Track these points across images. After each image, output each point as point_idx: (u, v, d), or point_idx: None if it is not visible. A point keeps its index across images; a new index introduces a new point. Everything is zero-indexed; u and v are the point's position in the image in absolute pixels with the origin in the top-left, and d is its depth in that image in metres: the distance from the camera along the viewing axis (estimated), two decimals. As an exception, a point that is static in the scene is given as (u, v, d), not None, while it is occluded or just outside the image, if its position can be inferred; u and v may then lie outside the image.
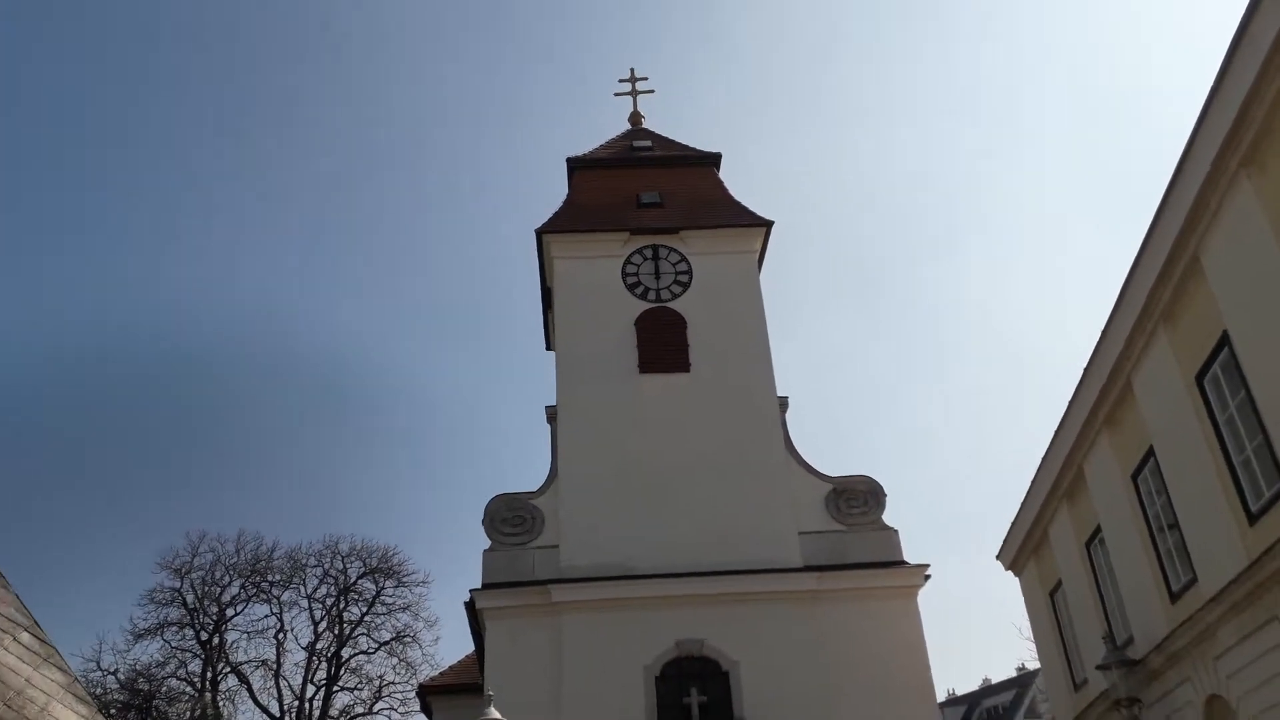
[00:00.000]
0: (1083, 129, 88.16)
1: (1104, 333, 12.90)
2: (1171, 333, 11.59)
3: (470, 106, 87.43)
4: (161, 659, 32.66)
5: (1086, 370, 13.71)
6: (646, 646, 17.72)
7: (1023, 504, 17.37)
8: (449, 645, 66.87)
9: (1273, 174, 9.08)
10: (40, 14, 70.14)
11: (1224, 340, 10.39)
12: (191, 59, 76.36)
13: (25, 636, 9.26)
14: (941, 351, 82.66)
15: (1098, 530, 14.75)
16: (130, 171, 75.34)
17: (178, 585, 33.08)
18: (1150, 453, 12.62)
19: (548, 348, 25.30)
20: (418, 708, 30.32)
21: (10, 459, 50.67)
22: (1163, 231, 10.91)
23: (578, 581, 18.26)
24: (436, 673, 29.77)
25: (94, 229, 72.60)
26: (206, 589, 33.43)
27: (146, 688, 32.24)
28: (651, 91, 26.58)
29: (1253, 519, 10.26)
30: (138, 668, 32.46)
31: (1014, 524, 18.07)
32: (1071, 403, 14.48)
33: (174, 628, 32.75)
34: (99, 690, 30.83)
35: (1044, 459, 15.99)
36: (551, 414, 20.43)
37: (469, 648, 25.36)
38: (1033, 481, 16.68)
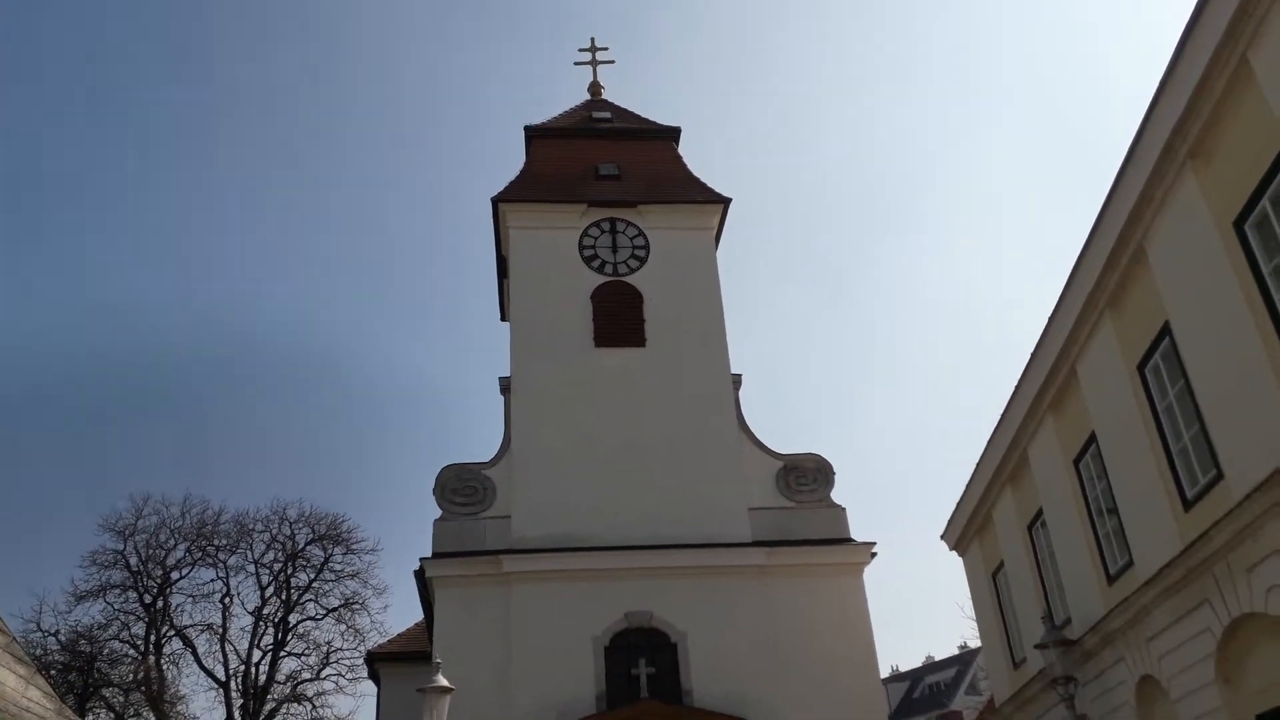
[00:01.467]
0: (1040, 112, 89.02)
1: (1051, 318, 13.07)
2: (1116, 321, 11.76)
3: (429, 69, 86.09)
4: (104, 621, 32.25)
5: (1033, 355, 13.90)
6: (596, 618, 17.84)
7: (967, 486, 17.64)
8: (398, 614, 66.88)
9: (1218, 166, 9.21)
10: (39, 11, 67.74)
11: (1165, 330, 10.55)
12: (153, 38, 74.08)
13: None
14: (892, 332, 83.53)
15: (1040, 513, 15.02)
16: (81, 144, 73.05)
17: (121, 547, 32.61)
18: (1092, 438, 12.84)
19: (503, 318, 25.16)
20: (365, 674, 30.30)
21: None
22: (1110, 220, 11.05)
23: (528, 552, 18.29)
24: (385, 640, 29.73)
25: (57, 211, 70.49)
26: (151, 551, 32.96)
27: (88, 649, 31.81)
28: (612, 62, 26.45)
29: (1188, 505, 10.50)
30: (79, 629, 32.03)
31: (958, 505, 18.36)
32: (1017, 387, 14.68)
33: (117, 590, 32.29)
34: (39, 651, 30.38)
35: (989, 442, 16.23)
36: (506, 385, 20.35)
37: (418, 616, 25.35)
38: (978, 464, 16.93)
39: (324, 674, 33.58)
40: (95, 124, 74.28)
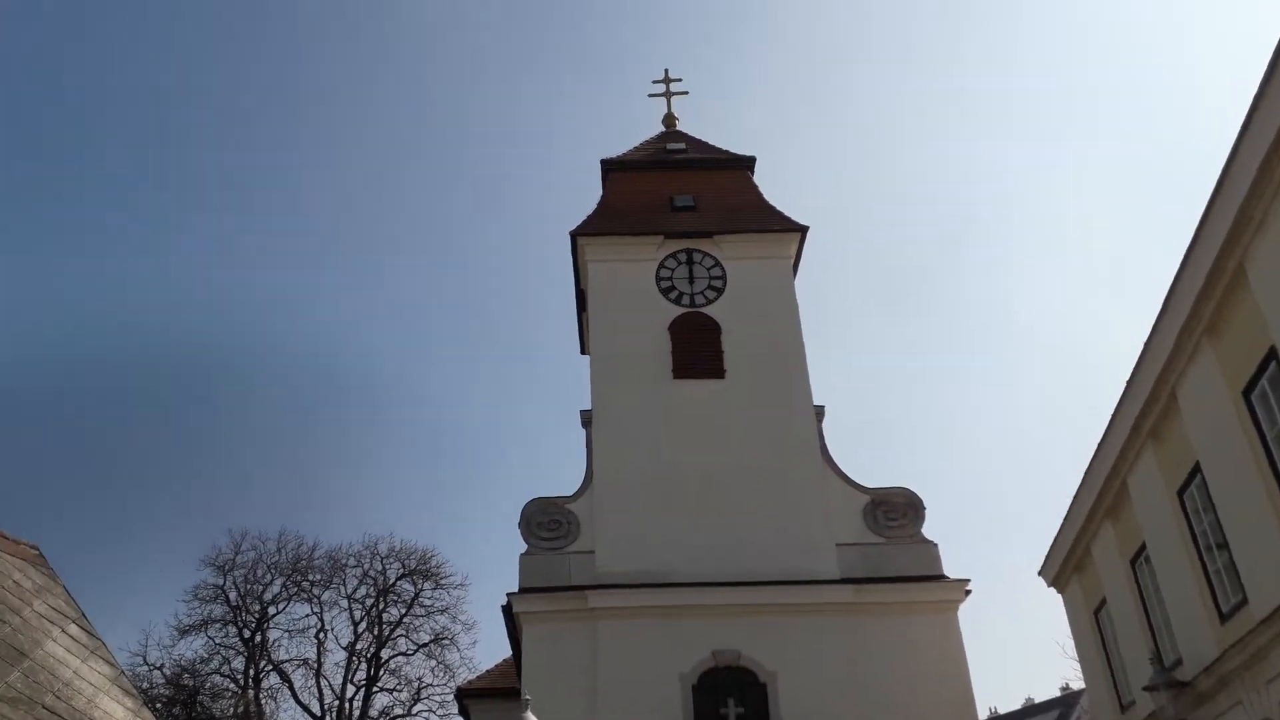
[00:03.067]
0: (1132, 129, 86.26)
1: (1147, 345, 12.54)
2: (1217, 345, 11.21)
3: (504, 105, 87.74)
4: (205, 655, 33.20)
5: (1130, 383, 13.34)
6: (683, 655, 17.65)
7: (1065, 519, 16.96)
8: (486, 648, 67.12)
9: (1322, 183, 8.74)
10: (45, 8, 71.15)
11: (1271, 354, 10.02)
12: (210, 46, 76.85)
13: (74, 629, 9.40)
14: (983, 360, 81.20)
15: (1143, 548, 14.34)
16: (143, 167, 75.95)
17: (221, 582, 33.62)
18: (1196, 469, 12.23)
19: (582, 351, 25.31)
20: (455, 710, 30.50)
21: (56, 458, 51.86)
22: (1206, 241, 10.55)
23: (614, 588, 18.22)
24: (474, 676, 29.94)
25: (120, 229, 73.40)
26: (249, 587, 33.90)
27: (191, 683, 32.75)
28: (686, 93, 26.45)
29: (1304, 539, 9.90)
30: (182, 663, 33.02)
31: (1056, 540, 17.64)
32: (1114, 416, 14.10)
33: (218, 624, 33.25)
34: (145, 684, 31.31)
35: (1086, 473, 15.60)
36: (587, 418, 20.42)
37: (506, 651, 25.48)
38: (1075, 497, 16.27)
39: (415, 710, 33.99)
40: (137, 112, 77.09)
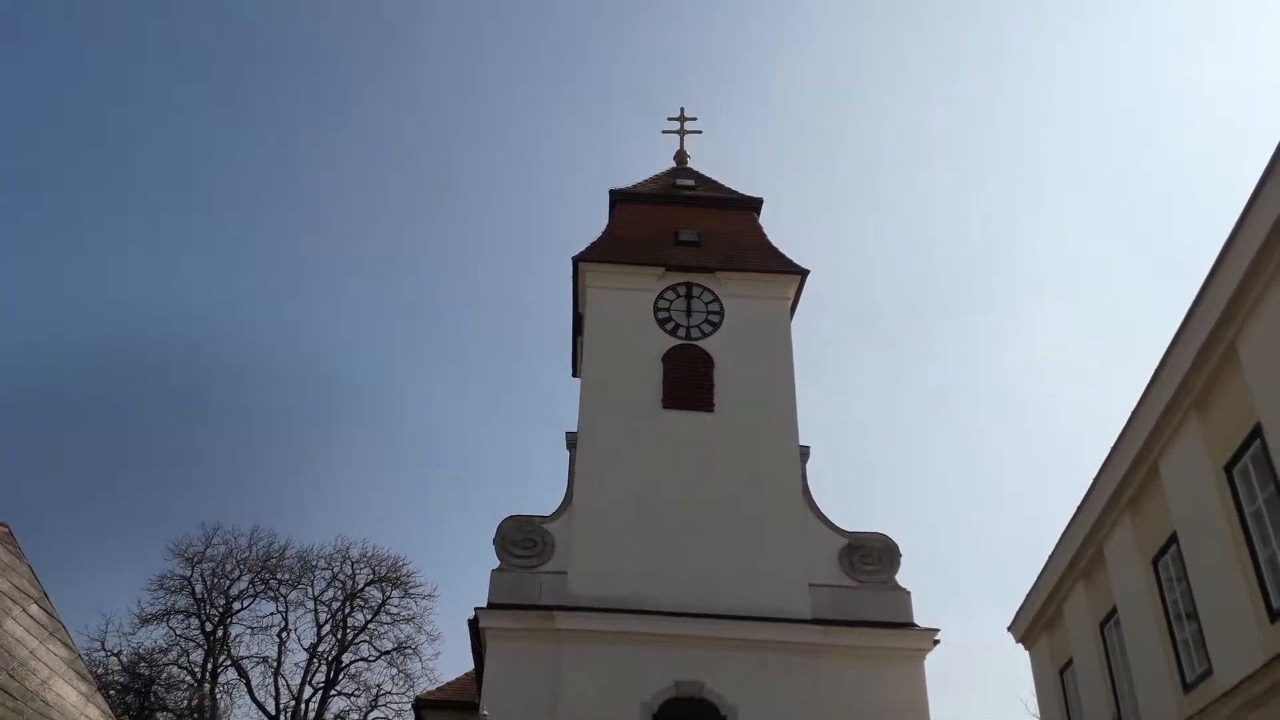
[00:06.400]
0: (1137, 201, 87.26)
1: (1134, 414, 12.73)
2: (1203, 420, 11.42)
3: (519, 133, 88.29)
4: (165, 645, 32.91)
5: (1113, 450, 13.53)
6: (646, 683, 17.64)
7: (1039, 578, 17.11)
8: (449, 661, 66.54)
9: (1319, 269, 8.98)
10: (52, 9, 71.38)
11: (1256, 432, 10.22)
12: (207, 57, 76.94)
13: (35, 609, 9.39)
14: (970, 414, 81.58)
15: (1114, 612, 14.49)
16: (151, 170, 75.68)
17: (188, 574, 33.35)
18: (1173, 539, 12.41)
19: (574, 374, 25.40)
20: (412, 720, 30.31)
21: (33, 443, 51.27)
22: (1201, 317, 10.78)
23: (583, 610, 18.21)
24: (434, 687, 29.73)
25: (112, 226, 73.13)
26: (215, 580, 33.62)
27: (147, 672, 32.41)
28: (699, 132, 26.87)
29: (1274, 616, 10.05)
30: (141, 652, 32.72)
31: (1028, 597, 17.79)
32: (1095, 481, 14.29)
33: (180, 615, 32.96)
34: (101, 670, 30.98)
35: (1064, 535, 15.77)
36: (572, 440, 20.49)
37: (469, 665, 25.34)
38: (1051, 556, 16.44)
39: (371, 716, 33.67)
40: (137, 113, 77.39)
